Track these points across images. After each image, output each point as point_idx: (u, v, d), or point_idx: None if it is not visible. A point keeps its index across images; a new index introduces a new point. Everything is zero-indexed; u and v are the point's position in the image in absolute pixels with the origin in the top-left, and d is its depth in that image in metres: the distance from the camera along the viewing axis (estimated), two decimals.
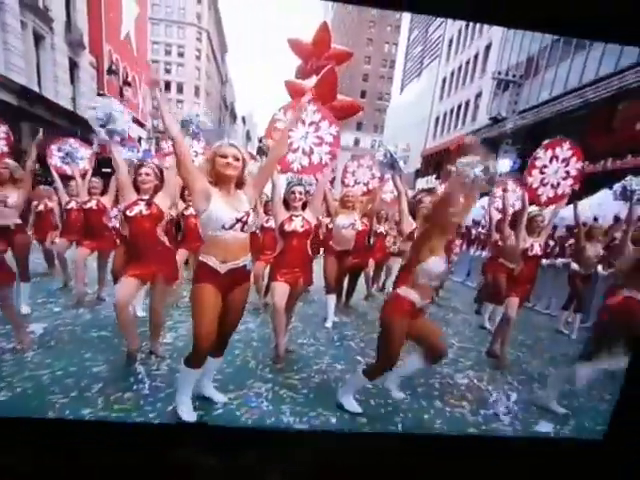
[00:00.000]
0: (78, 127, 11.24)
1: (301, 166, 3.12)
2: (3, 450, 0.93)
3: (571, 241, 5.55)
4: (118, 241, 3.98)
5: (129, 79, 18.44)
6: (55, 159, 4.57)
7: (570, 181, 3.38)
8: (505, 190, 3.79)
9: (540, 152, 3.38)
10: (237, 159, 1.93)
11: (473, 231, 8.11)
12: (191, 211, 4.06)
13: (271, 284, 3.00)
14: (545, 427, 2.47)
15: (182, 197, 4.15)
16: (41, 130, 3.80)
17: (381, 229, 5.43)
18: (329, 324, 4.04)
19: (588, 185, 4.19)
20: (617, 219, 5.33)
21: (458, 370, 3.24)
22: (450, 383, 2.99)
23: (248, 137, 65.56)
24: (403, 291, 2.13)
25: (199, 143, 3.87)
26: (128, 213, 2.57)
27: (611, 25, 0.79)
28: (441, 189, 5.13)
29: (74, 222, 4.31)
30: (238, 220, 1.93)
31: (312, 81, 11.58)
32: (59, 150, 4.53)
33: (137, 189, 2.66)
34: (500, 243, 3.90)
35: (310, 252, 3.04)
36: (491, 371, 3.30)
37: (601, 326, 2.61)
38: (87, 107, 2.66)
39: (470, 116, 21.87)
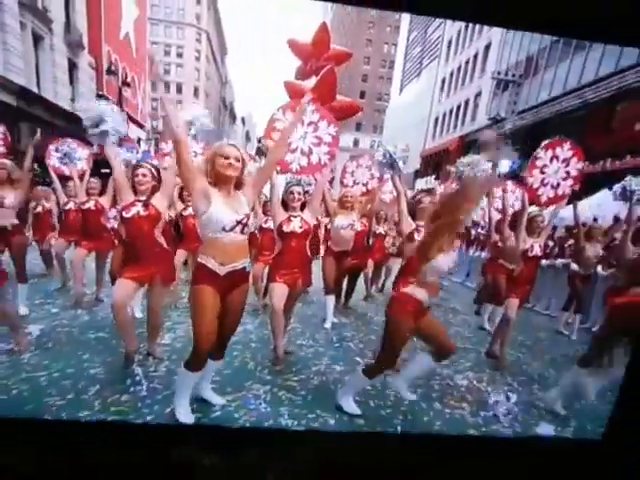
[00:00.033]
0: (77, 128, 11.20)
1: (300, 166, 3.10)
2: (7, 450, 0.94)
3: (571, 241, 5.55)
4: (116, 242, 3.97)
5: (128, 80, 18.42)
6: (53, 160, 4.55)
7: (570, 181, 3.38)
8: (505, 190, 3.79)
9: (540, 152, 3.36)
10: (238, 160, 1.93)
11: (472, 232, 8.10)
12: (190, 211, 4.04)
13: (270, 285, 2.98)
14: (546, 429, 2.46)
15: (181, 197, 4.15)
16: (39, 130, 3.79)
17: (380, 230, 5.40)
18: (328, 325, 4.03)
19: (588, 185, 4.19)
20: (617, 219, 5.33)
21: (458, 371, 3.23)
22: (450, 384, 2.97)
23: (247, 138, 65.60)
24: (410, 290, 2.12)
25: (198, 144, 3.86)
26: (125, 214, 2.56)
27: (610, 26, 0.79)
28: (441, 189, 5.14)
29: (72, 223, 4.31)
30: (238, 222, 1.92)
31: (312, 82, 11.56)
32: (57, 150, 4.52)
33: (134, 190, 2.65)
34: (500, 244, 3.89)
35: (309, 253, 3.02)
36: (491, 372, 3.29)
37: (608, 326, 2.59)
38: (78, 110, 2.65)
39: (470, 116, 21.88)
